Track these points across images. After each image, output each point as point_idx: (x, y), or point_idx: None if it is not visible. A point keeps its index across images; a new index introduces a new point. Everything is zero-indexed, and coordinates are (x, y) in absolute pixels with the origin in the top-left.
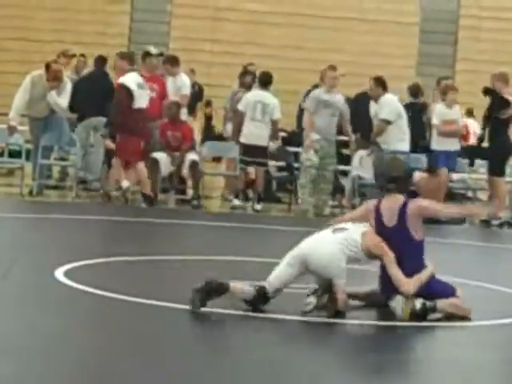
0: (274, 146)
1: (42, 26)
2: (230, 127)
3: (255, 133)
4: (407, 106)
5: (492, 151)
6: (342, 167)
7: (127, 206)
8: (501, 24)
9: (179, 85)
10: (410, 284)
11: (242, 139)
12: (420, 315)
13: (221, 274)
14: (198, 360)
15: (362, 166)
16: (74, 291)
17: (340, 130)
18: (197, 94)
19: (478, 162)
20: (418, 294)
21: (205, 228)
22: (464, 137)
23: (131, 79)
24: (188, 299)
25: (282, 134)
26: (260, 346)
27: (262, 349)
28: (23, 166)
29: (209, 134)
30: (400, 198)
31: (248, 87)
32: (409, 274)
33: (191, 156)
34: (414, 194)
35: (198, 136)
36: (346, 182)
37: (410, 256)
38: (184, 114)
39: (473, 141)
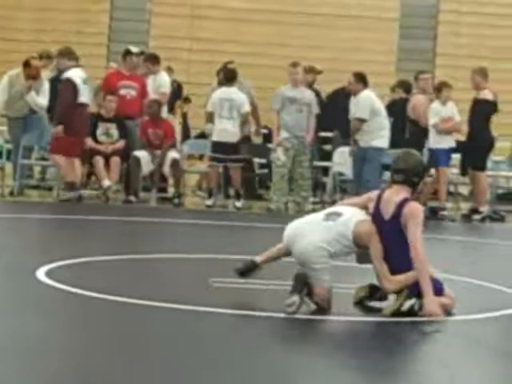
0: (236, 137)
1: (20, 26)
2: (211, 126)
3: (224, 130)
4: (401, 101)
5: (475, 146)
6: (321, 163)
7: (109, 205)
8: (480, 19)
9: (159, 83)
10: (391, 281)
11: (213, 137)
12: (404, 314)
13: (201, 271)
14: (182, 360)
15: (342, 162)
16: (55, 291)
17: (323, 127)
18: (176, 91)
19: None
20: (410, 292)
21: (186, 226)
22: None
23: (76, 74)
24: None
25: (264, 130)
26: (235, 343)
27: (238, 346)
28: (4, 166)
29: (185, 132)
30: (403, 193)
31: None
32: (396, 270)
33: (172, 154)
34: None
35: (178, 134)
36: (326, 179)
37: (400, 252)
38: (165, 112)
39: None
